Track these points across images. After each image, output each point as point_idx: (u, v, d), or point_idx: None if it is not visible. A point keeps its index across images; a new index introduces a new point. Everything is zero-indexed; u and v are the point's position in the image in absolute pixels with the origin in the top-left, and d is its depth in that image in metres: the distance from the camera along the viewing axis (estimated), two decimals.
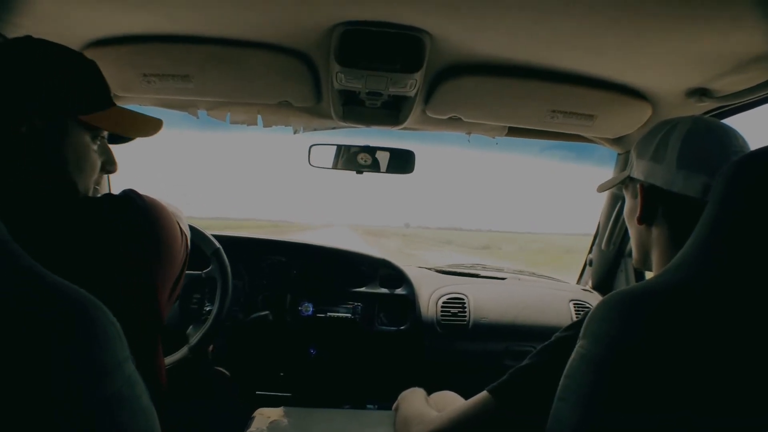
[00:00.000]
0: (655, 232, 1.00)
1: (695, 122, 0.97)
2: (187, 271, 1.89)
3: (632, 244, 1.10)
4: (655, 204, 0.99)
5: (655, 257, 1.01)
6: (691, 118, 0.99)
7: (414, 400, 1.37)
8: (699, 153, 0.93)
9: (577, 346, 0.78)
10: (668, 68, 1.42)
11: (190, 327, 1.86)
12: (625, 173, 1.08)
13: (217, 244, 1.85)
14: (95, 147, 1.01)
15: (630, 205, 1.08)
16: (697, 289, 0.71)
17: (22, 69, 0.91)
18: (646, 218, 1.01)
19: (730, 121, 1.54)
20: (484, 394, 1.03)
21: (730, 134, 0.95)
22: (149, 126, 1.11)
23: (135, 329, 0.64)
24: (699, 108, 1.57)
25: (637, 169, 1.03)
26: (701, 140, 0.94)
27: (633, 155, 1.06)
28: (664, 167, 0.96)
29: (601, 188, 1.27)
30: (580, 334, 0.79)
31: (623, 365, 0.70)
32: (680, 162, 0.94)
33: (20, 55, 0.92)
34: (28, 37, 0.94)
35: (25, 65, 0.91)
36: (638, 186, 1.02)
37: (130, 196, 0.99)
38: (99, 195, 1.05)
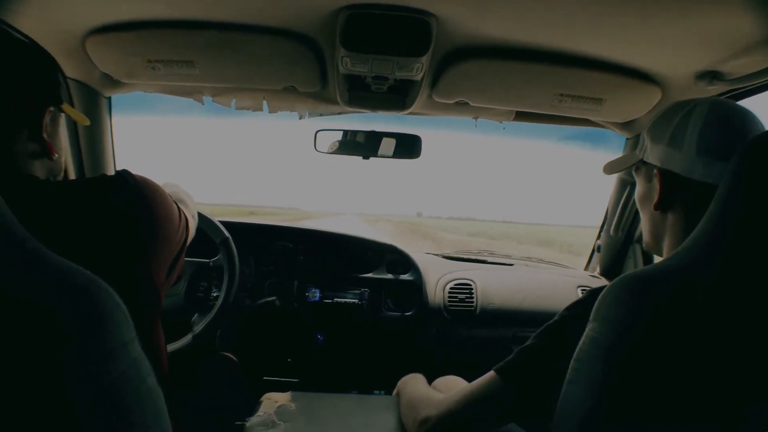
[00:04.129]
0: (670, 218, 0.97)
1: (714, 106, 0.93)
2: (194, 259, 1.90)
3: (644, 228, 1.07)
4: (674, 191, 0.96)
5: (667, 243, 0.99)
6: (709, 101, 0.95)
7: (417, 384, 1.37)
8: (719, 140, 0.90)
9: (587, 329, 0.78)
10: (678, 50, 1.40)
11: (195, 315, 1.87)
12: (637, 156, 1.05)
13: (227, 233, 1.86)
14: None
15: (643, 190, 1.05)
16: (706, 272, 0.71)
17: (26, 60, 0.94)
18: (663, 205, 0.98)
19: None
20: (491, 374, 1.04)
21: (750, 119, 0.91)
22: (81, 117, 1.19)
23: (132, 310, 0.63)
24: (709, 91, 1.55)
25: (652, 154, 1.00)
26: (721, 126, 0.91)
27: (646, 138, 1.03)
28: (682, 154, 0.93)
29: (610, 170, 1.23)
30: (591, 317, 0.78)
31: (633, 349, 0.69)
32: (700, 149, 0.90)
33: (21, 47, 0.95)
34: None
35: (25, 55, 0.95)
36: (655, 172, 0.99)
37: (122, 175, 1.00)
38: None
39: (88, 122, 1.21)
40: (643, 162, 1.04)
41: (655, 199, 0.98)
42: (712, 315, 0.68)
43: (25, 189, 0.89)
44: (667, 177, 0.96)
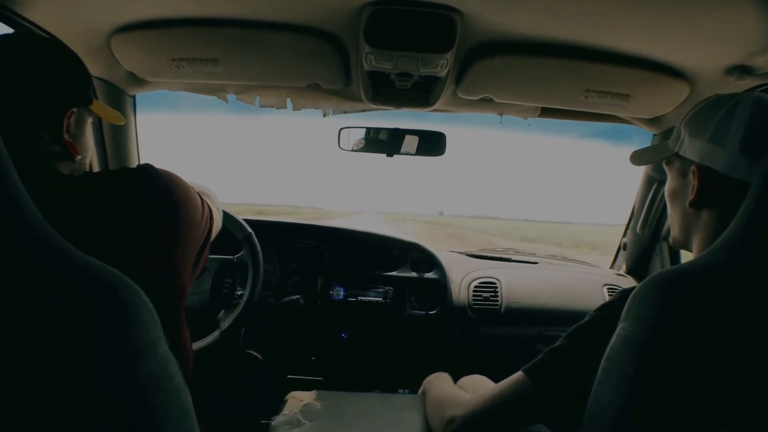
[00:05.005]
0: (704, 215, 0.95)
1: (759, 102, 0.90)
2: (219, 256, 1.92)
3: (672, 223, 1.05)
4: (712, 188, 0.93)
5: (698, 240, 0.97)
6: (753, 96, 0.92)
7: (443, 384, 1.36)
8: (765, 137, 0.87)
9: (618, 328, 0.76)
10: (707, 45, 1.38)
11: (222, 311, 1.88)
12: (671, 150, 1.03)
13: (249, 229, 1.87)
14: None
15: (676, 185, 1.03)
16: (738, 271, 0.69)
17: (52, 62, 0.96)
18: (699, 202, 0.95)
19: None
20: (519, 374, 1.03)
21: None
22: (116, 117, 1.20)
23: (157, 307, 0.63)
24: (739, 86, 1.52)
25: (690, 149, 0.97)
26: (766, 124, 0.88)
27: (683, 132, 1.00)
28: (725, 151, 0.90)
29: (638, 161, 1.21)
30: (622, 316, 0.77)
31: (665, 347, 0.68)
32: (744, 147, 0.88)
33: (44, 48, 0.97)
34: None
35: (46, 57, 0.96)
36: (693, 168, 0.96)
37: (144, 168, 1.01)
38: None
39: (123, 121, 1.22)
40: (677, 155, 1.02)
41: (691, 196, 0.96)
42: (744, 315, 0.66)
43: (48, 184, 0.90)
44: (705, 173, 0.94)
